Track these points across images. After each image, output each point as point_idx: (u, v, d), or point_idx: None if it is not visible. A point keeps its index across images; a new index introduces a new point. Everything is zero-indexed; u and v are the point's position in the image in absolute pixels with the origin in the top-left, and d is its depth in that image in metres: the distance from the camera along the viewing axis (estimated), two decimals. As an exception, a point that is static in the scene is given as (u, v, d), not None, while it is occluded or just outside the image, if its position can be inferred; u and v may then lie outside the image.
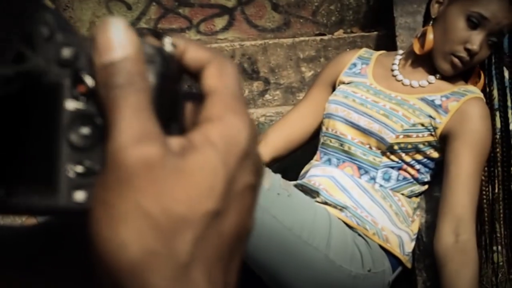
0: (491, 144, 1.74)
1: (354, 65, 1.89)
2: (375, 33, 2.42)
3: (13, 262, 0.36)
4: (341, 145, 1.76)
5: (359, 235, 1.66)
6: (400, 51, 1.91)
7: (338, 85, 1.86)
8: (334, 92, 1.83)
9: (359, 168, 1.73)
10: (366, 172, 1.72)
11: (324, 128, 1.82)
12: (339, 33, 2.51)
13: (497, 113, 1.82)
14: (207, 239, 0.30)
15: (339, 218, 1.65)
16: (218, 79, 0.33)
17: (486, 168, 1.80)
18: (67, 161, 0.30)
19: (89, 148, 0.31)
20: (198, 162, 0.30)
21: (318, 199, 1.70)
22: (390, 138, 1.68)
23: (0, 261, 0.36)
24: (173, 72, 0.33)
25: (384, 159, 1.71)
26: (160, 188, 0.29)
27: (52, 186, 0.30)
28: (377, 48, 2.21)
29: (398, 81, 1.81)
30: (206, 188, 0.30)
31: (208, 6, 2.59)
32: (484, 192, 1.83)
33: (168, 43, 0.33)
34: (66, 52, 0.31)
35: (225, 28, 2.60)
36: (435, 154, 1.73)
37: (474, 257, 1.56)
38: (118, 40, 0.30)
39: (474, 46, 1.64)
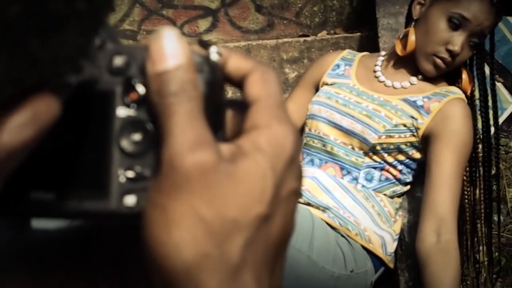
0: (473, 144, 1.75)
1: (338, 66, 1.89)
2: (358, 34, 2.42)
3: (49, 265, 0.37)
4: (324, 145, 1.76)
5: (342, 235, 1.66)
6: (383, 52, 1.92)
7: (322, 86, 1.87)
8: (317, 93, 1.84)
9: (342, 168, 1.74)
10: (349, 172, 1.73)
11: (307, 129, 1.82)
12: (323, 34, 2.52)
13: (478, 114, 1.83)
14: (256, 243, 0.31)
15: (321, 219, 1.66)
16: (262, 87, 0.34)
17: (467, 168, 1.80)
18: (118, 166, 0.31)
19: (140, 154, 0.32)
20: (248, 168, 0.31)
21: (300, 200, 1.70)
22: (372, 138, 1.68)
23: (37, 264, 0.37)
24: (219, 81, 0.34)
25: (367, 159, 1.72)
26: (214, 193, 0.30)
27: (103, 191, 0.31)
28: (360, 49, 2.22)
29: (381, 82, 1.81)
30: (257, 193, 0.31)
31: (191, 8, 2.59)
32: (466, 192, 1.84)
33: (214, 52, 0.33)
34: (118, 61, 0.32)
35: (208, 30, 2.60)
36: (417, 155, 1.73)
37: (456, 257, 1.56)
38: (171, 49, 0.31)
39: (456, 47, 1.65)
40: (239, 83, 0.35)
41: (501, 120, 3.14)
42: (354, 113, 1.72)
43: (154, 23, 2.60)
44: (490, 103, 1.86)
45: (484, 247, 1.95)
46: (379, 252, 1.70)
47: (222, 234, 0.30)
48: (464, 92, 1.78)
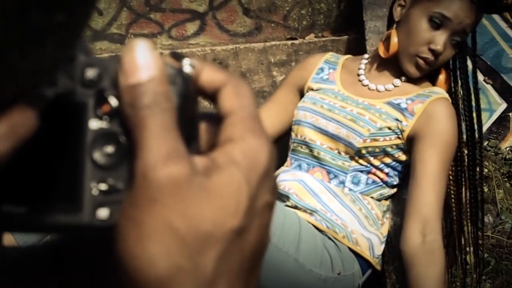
0: (458, 144, 1.75)
1: (322, 69, 1.89)
2: (346, 37, 2.43)
3: (23, 281, 0.37)
4: (311, 150, 1.76)
5: (329, 238, 1.67)
6: (366, 55, 1.92)
7: (307, 92, 1.87)
8: (303, 99, 1.84)
9: (329, 172, 1.74)
10: (336, 176, 1.73)
11: (293, 135, 1.83)
12: (310, 37, 2.52)
13: (462, 113, 1.84)
14: (230, 256, 0.31)
15: (309, 222, 1.66)
16: (235, 100, 0.34)
17: (453, 168, 1.81)
18: (91, 179, 0.31)
19: (112, 166, 0.31)
20: (223, 181, 0.31)
21: (288, 203, 1.70)
22: (357, 142, 1.69)
23: (11, 280, 0.36)
24: (192, 93, 0.33)
25: (353, 163, 1.72)
26: (188, 206, 0.30)
27: (76, 204, 0.31)
28: (347, 52, 2.22)
29: (365, 86, 1.81)
30: (231, 206, 0.31)
31: (179, 11, 2.59)
32: (452, 192, 1.84)
33: (186, 64, 0.33)
34: (90, 73, 0.31)
35: (196, 33, 2.60)
36: (403, 157, 1.74)
37: (441, 257, 1.56)
38: (143, 61, 0.31)
39: (438, 46, 1.66)
40: (212, 95, 0.35)
41: (490, 121, 3.16)
42: (339, 118, 1.72)
43: (142, 27, 2.60)
44: (473, 102, 1.87)
45: (471, 248, 1.95)
46: (367, 254, 1.70)
47: (196, 247, 0.30)
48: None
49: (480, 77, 3.09)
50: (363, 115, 1.71)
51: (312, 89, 1.86)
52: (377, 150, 1.70)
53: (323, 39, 2.45)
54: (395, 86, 1.78)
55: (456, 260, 1.95)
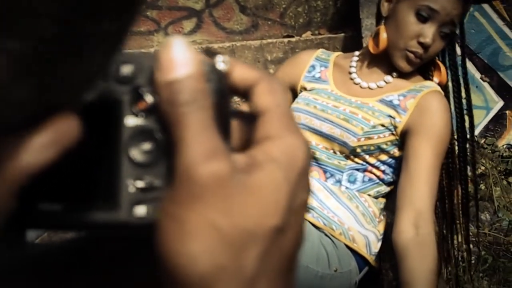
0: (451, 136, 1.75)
1: (313, 67, 1.89)
2: (342, 34, 2.43)
3: (47, 279, 0.37)
4: (307, 151, 1.76)
5: (326, 235, 1.66)
6: (357, 52, 1.91)
7: (300, 91, 1.86)
8: (296, 100, 1.83)
9: (325, 171, 1.74)
10: (332, 175, 1.73)
11: (289, 136, 1.82)
12: (307, 35, 2.52)
13: (453, 105, 1.84)
14: (270, 254, 0.31)
15: (305, 219, 1.66)
16: (270, 97, 0.34)
17: (445, 161, 1.80)
18: (128, 177, 0.31)
19: (149, 163, 0.31)
20: (263, 179, 0.30)
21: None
22: (352, 141, 1.68)
23: (35, 278, 0.36)
24: (226, 90, 0.33)
25: (349, 162, 1.72)
26: (230, 203, 0.29)
27: (113, 201, 0.31)
28: (344, 49, 2.23)
29: (356, 84, 1.81)
30: (272, 204, 0.30)
31: (176, 9, 2.59)
32: (444, 185, 1.84)
33: (220, 61, 0.33)
34: (125, 69, 0.31)
35: (193, 31, 2.60)
36: (399, 153, 1.73)
37: (433, 250, 1.56)
38: (181, 58, 0.30)
39: (427, 39, 1.66)
40: (244, 93, 0.34)
41: (487, 119, 3.17)
42: (332, 118, 1.72)
43: (138, 25, 2.59)
44: (462, 93, 1.87)
45: (464, 244, 1.95)
46: (363, 251, 1.70)
47: (238, 246, 0.29)
48: (442, 84, 1.78)
49: (477, 75, 3.10)
50: (356, 114, 1.71)
51: (305, 89, 1.85)
52: (372, 148, 1.70)
53: (320, 36, 2.45)
54: (386, 83, 1.78)
55: (450, 257, 1.95)
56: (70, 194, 0.30)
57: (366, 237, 1.70)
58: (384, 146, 1.71)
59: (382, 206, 1.78)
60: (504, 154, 3.14)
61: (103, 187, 0.31)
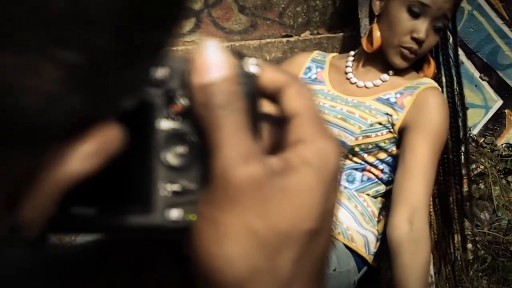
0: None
1: (309, 69, 1.89)
2: (341, 34, 2.43)
3: (69, 280, 0.37)
4: (305, 151, 1.76)
5: (324, 234, 1.66)
6: (352, 52, 1.92)
7: None
8: None
9: (324, 171, 1.74)
10: (330, 175, 1.73)
11: (286, 137, 1.82)
12: (306, 35, 2.52)
13: (446, 99, 1.84)
14: (304, 258, 0.31)
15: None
16: (300, 101, 0.33)
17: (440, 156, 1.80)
18: (162, 180, 0.31)
19: (184, 167, 0.31)
20: (298, 182, 0.31)
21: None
22: (350, 141, 1.69)
23: (57, 279, 0.37)
24: (257, 93, 0.33)
25: (347, 161, 1.72)
26: (267, 206, 0.29)
27: (147, 205, 0.31)
28: (343, 49, 2.23)
29: (353, 83, 1.81)
30: (307, 208, 0.30)
31: (174, 9, 2.58)
32: (440, 181, 1.85)
33: (251, 63, 0.32)
34: (159, 73, 0.31)
35: (192, 31, 2.60)
36: (397, 151, 1.73)
37: (427, 247, 1.56)
38: (215, 61, 0.31)
39: (421, 34, 1.66)
40: (272, 96, 0.34)
41: (486, 118, 3.17)
42: (330, 118, 1.72)
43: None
44: (455, 86, 1.87)
45: (459, 242, 1.95)
46: (362, 251, 1.70)
47: (274, 249, 0.30)
48: (427, 77, 1.78)
49: (476, 74, 3.10)
50: (353, 113, 1.71)
51: None
52: (370, 146, 1.70)
53: (319, 36, 2.45)
54: (383, 81, 1.78)
55: (448, 253, 1.95)
56: (103, 197, 0.30)
57: (365, 236, 1.70)
58: (382, 144, 1.71)
59: (381, 205, 1.78)
60: (503, 153, 3.14)
61: (137, 191, 0.31)
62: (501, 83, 3.13)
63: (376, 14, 1.77)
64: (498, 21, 3.07)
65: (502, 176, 3.10)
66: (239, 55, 0.32)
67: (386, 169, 1.75)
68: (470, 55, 3.08)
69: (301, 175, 0.31)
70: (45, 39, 0.19)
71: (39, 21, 0.18)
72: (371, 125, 1.69)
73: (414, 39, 1.67)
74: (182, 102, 0.31)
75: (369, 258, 1.72)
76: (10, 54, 0.18)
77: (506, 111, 3.17)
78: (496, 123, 3.18)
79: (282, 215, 0.30)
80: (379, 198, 1.79)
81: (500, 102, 3.16)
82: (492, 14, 3.06)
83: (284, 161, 0.31)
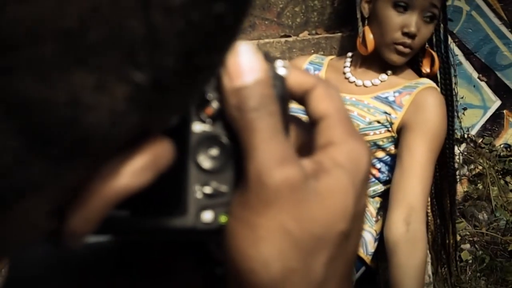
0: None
1: (307, 71, 1.89)
2: (339, 34, 2.43)
3: (88, 278, 0.37)
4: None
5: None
6: (350, 54, 1.92)
7: None
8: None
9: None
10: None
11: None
12: (304, 35, 2.52)
13: (441, 91, 1.84)
14: (337, 259, 0.31)
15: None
16: (329, 103, 0.34)
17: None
18: (195, 182, 0.31)
19: (216, 169, 0.31)
20: (332, 184, 0.31)
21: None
22: (348, 139, 1.68)
23: (76, 277, 0.37)
24: (287, 96, 0.33)
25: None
26: (301, 209, 0.30)
27: (180, 207, 0.31)
28: (341, 49, 2.22)
29: (351, 82, 1.82)
30: (340, 210, 0.31)
31: (173, 9, 2.58)
32: (437, 181, 1.85)
33: (280, 66, 0.33)
34: None
35: (190, 31, 2.59)
36: (395, 151, 1.73)
37: (423, 247, 1.56)
38: (249, 64, 0.31)
39: (411, 28, 1.66)
40: (300, 98, 0.35)
41: (484, 119, 3.17)
42: None
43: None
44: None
45: (451, 244, 1.95)
46: (360, 251, 1.70)
47: (308, 250, 0.30)
48: (431, 75, 1.78)
49: (475, 74, 3.10)
50: (352, 111, 1.71)
51: None
52: (368, 144, 1.70)
53: (317, 36, 2.45)
54: (381, 81, 1.79)
55: (446, 254, 1.95)
56: (137, 199, 0.29)
57: (363, 237, 1.70)
58: (380, 143, 1.71)
59: (378, 205, 1.78)
60: (502, 154, 3.14)
61: (171, 193, 0.31)
62: (500, 84, 3.13)
63: (366, 17, 1.78)
64: (497, 22, 3.07)
65: (500, 176, 3.11)
66: (268, 57, 0.33)
67: (384, 168, 1.75)
68: (468, 55, 3.08)
69: (334, 177, 0.31)
70: (121, 60, 0.20)
71: (118, 45, 0.19)
72: (370, 123, 1.69)
73: (405, 33, 1.68)
74: (215, 105, 0.31)
75: (367, 258, 1.72)
76: (87, 73, 0.19)
77: (504, 111, 3.17)
78: (494, 124, 3.18)
79: (316, 217, 0.30)
80: (377, 198, 1.78)
81: (498, 103, 3.16)
82: (491, 15, 3.06)
83: (316, 163, 0.32)
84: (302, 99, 0.35)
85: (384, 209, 1.79)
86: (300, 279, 0.30)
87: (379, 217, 1.77)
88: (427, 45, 1.80)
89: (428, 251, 1.73)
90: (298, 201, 0.30)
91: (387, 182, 1.79)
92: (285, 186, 0.29)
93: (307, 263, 0.30)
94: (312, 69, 1.90)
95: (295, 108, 0.35)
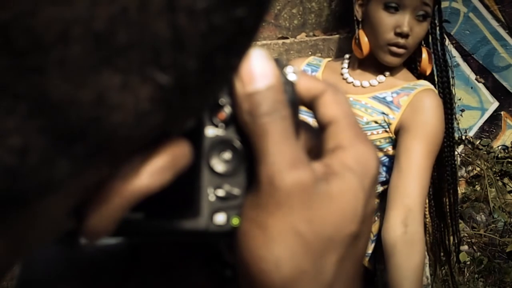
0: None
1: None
2: (337, 36, 2.43)
3: (100, 279, 0.38)
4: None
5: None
6: (347, 55, 1.92)
7: None
8: None
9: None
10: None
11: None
12: (302, 37, 2.52)
13: (438, 90, 1.84)
14: (347, 261, 0.32)
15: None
16: (338, 107, 0.34)
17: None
18: (208, 185, 0.32)
19: (229, 172, 0.32)
20: (342, 187, 0.32)
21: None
22: (345, 139, 1.68)
23: (88, 278, 0.38)
24: (297, 101, 0.34)
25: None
26: (312, 211, 0.30)
27: (194, 210, 0.32)
28: (338, 51, 2.23)
29: (349, 83, 1.82)
30: (350, 212, 0.32)
31: (170, 11, 2.58)
32: (435, 182, 1.85)
33: (290, 72, 0.33)
34: None
35: (187, 33, 2.59)
36: (393, 152, 1.73)
37: (421, 249, 1.56)
38: (260, 70, 0.31)
39: (404, 28, 1.66)
40: (308, 103, 0.35)
41: (482, 120, 3.17)
42: None
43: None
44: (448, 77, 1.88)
45: (450, 242, 1.95)
46: (357, 253, 1.70)
47: (319, 252, 0.31)
48: (424, 73, 1.79)
49: (472, 76, 3.11)
50: None
51: None
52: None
53: (314, 38, 2.45)
54: (379, 82, 1.79)
55: (446, 255, 1.95)
56: (151, 202, 0.30)
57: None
58: (378, 144, 1.71)
59: (376, 206, 1.78)
60: (499, 155, 3.15)
61: (184, 196, 0.32)
62: (497, 85, 3.14)
63: (360, 20, 1.78)
64: (494, 23, 3.07)
65: (498, 178, 3.11)
66: (279, 62, 0.33)
67: (381, 169, 1.75)
68: (466, 57, 3.08)
69: (344, 180, 0.32)
70: (146, 61, 0.20)
71: (144, 46, 0.20)
72: (367, 123, 1.69)
73: (398, 34, 1.67)
74: (228, 109, 0.32)
75: (364, 260, 1.72)
76: (113, 73, 0.20)
77: (502, 113, 3.17)
78: (492, 125, 3.19)
79: (326, 219, 0.31)
80: (374, 199, 1.78)
81: (496, 104, 3.16)
82: (488, 16, 3.06)
83: (326, 166, 0.32)
84: (311, 104, 0.35)
85: (381, 210, 1.78)
86: (311, 280, 0.31)
87: (376, 218, 1.76)
88: (423, 44, 1.80)
89: (426, 253, 1.73)
90: (309, 203, 0.30)
91: (384, 183, 1.78)
92: (296, 188, 0.30)
93: (318, 264, 0.31)
94: (309, 70, 1.90)
95: (304, 111, 0.35)
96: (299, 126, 0.34)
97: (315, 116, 0.35)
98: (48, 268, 0.38)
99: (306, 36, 2.54)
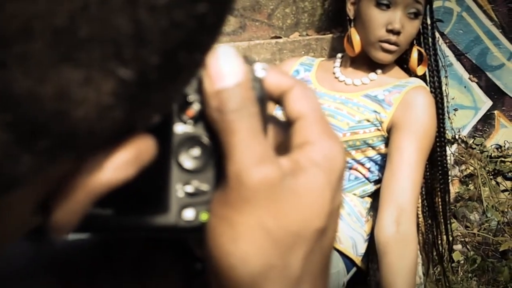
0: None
1: (297, 72, 1.91)
2: (330, 35, 2.43)
3: (74, 274, 0.39)
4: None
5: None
6: (340, 54, 1.94)
7: None
8: None
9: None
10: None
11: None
12: (295, 36, 2.52)
13: (431, 87, 1.85)
14: (314, 255, 0.33)
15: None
16: (306, 103, 0.35)
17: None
18: (177, 182, 0.32)
19: (197, 169, 0.32)
20: (308, 182, 0.32)
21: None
22: (337, 137, 1.68)
23: (63, 273, 0.38)
24: (265, 97, 0.34)
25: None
26: (279, 206, 0.31)
27: (162, 205, 0.32)
28: (332, 50, 2.22)
29: (341, 81, 1.82)
30: (317, 207, 0.32)
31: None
32: (428, 181, 1.85)
33: (259, 68, 0.34)
34: None
35: (180, 32, 2.59)
36: (385, 150, 1.73)
37: (414, 248, 1.56)
38: (229, 67, 0.32)
39: (395, 25, 1.67)
40: (277, 98, 0.35)
41: (475, 119, 3.18)
42: None
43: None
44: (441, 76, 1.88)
45: (443, 243, 1.95)
46: (350, 253, 1.70)
47: (286, 247, 0.31)
48: (414, 72, 1.79)
49: (465, 75, 3.11)
50: (341, 110, 1.72)
51: None
52: (357, 143, 1.70)
53: (307, 37, 2.45)
54: (371, 80, 1.79)
55: (438, 254, 1.96)
56: (119, 198, 0.30)
57: (352, 238, 1.70)
58: (370, 142, 1.71)
59: (368, 205, 1.78)
60: (493, 154, 3.15)
61: (153, 192, 0.32)
62: (490, 85, 3.14)
63: (352, 18, 1.79)
64: (487, 23, 3.07)
65: (491, 177, 3.11)
66: (248, 59, 0.33)
67: (374, 168, 1.75)
68: (459, 56, 3.08)
69: (311, 175, 0.32)
70: (108, 56, 0.21)
71: (105, 41, 0.20)
72: (359, 121, 1.70)
73: (390, 30, 1.69)
74: (196, 106, 0.32)
75: (357, 260, 1.72)
76: (75, 68, 0.20)
77: (495, 112, 3.18)
78: (485, 124, 3.19)
79: (293, 215, 0.31)
80: (366, 198, 1.78)
81: (489, 103, 3.17)
82: (481, 16, 3.06)
83: (293, 162, 0.33)
84: (279, 99, 0.35)
85: (374, 210, 1.78)
86: (278, 274, 0.31)
87: (369, 217, 1.77)
88: (415, 43, 1.81)
89: (419, 252, 1.73)
90: (276, 199, 0.31)
91: (376, 182, 1.79)
92: (263, 184, 0.30)
93: (285, 259, 0.31)
94: (302, 70, 1.90)
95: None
96: (267, 122, 0.34)
97: (284, 111, 0.35)
98: (17, 264, 0.38)
99: (299, 35, 2.54)
